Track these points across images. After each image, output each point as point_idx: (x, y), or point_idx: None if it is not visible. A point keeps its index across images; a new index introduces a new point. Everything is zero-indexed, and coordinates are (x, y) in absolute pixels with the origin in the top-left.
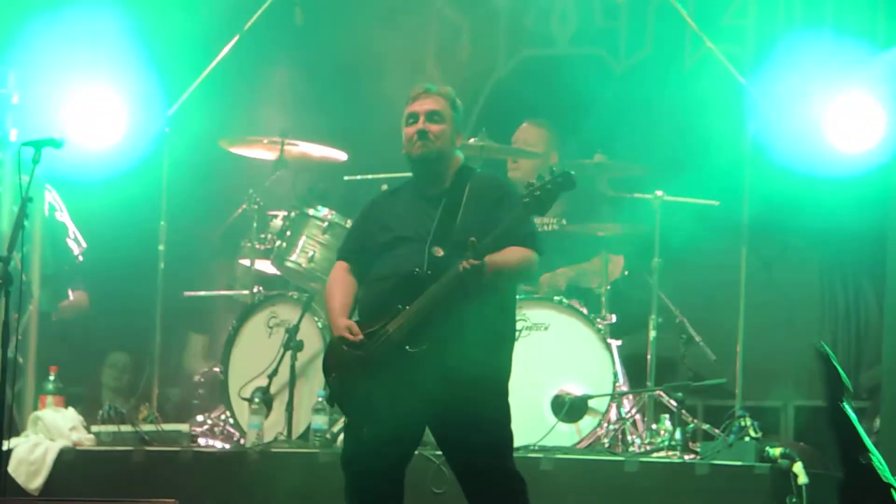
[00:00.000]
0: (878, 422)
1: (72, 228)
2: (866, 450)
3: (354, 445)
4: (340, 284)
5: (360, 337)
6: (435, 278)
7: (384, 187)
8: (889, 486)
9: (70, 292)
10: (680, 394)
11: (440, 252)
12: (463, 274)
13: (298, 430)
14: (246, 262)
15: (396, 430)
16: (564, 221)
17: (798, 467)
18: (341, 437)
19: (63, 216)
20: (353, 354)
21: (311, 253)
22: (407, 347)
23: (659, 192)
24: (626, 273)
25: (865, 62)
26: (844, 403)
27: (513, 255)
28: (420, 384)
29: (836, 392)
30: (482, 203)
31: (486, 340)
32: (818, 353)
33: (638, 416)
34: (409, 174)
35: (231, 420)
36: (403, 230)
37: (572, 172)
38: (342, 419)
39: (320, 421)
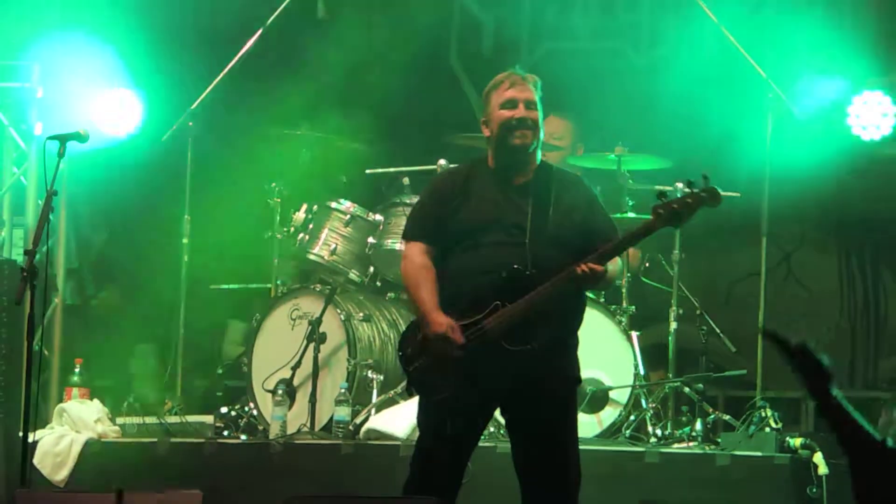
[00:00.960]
0: None
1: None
2: (868, 432)
3: (433, 441)
4: (427, 271)
5: (463, 341)
6: (537, 277)
7: (405, 180)
8: None
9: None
10: (700, 385)
11: (543, 251)
12: (581, 277)
13: (321, 421)
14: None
15: (477, 429)
16: None
17: (818, 457)
18: (364, 428)
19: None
20: (446, 350)
21: (333, 245)
22: (507, 346)
23: (679, 184)
24: (647, 265)
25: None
26: (833, 390)
27: (615, 263)
28: (513, 383)
29: (821, 381)
30: (573, 202)
31: (575, 342)
32: (784, 343)
33: (659, 408)
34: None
35: (255, 412)
36: (491, 221)
37: (717, 189)
38: (364, 411)
39: (343, 412)
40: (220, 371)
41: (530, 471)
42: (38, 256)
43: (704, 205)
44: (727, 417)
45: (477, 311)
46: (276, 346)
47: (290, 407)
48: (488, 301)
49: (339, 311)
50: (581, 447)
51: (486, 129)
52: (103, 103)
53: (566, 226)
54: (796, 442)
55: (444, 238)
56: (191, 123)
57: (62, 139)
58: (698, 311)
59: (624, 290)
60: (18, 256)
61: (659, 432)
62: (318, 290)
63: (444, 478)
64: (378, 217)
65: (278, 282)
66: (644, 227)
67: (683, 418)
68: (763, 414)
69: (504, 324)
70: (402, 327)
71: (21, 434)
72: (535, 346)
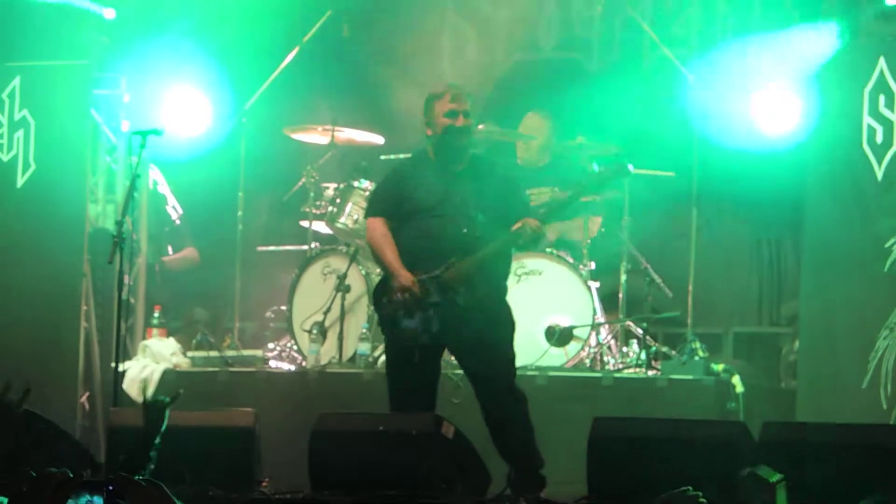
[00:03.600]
0: (797, 343)
1: (171, 199)
2: None
3: (404, 366)
4: (388, 238)
5: (419, 289)
6: (479, 240)
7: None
8: None
9: (169, 248)
10: (645, 324)
11: (480, 220)
12: (524, 231)
13: (347, 354)
14: (305, 223)
15: (435, 356)
16: (557, 189)
17: (736, 379)
18: (381, 359)
19: (164, 189)
20: (409, 299)
21: (356, 216)
22: (457, 291)
23: (629, 167)
24: (603, 230)
25: (783, 59)
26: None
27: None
28: (460, 321)
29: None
30: (498, 182)
31: (505, 287)
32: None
33: (612, 342)
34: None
35: (295, 347)
36: (440, 199)
37: (626, 163)
38: (381, 346)
39: (364, 347)
40: (267, 315)
41: (478, 394)
42: (124, 225)
43: (617, 177)
44: (665, 349)
45: (434, 266)
46: (310, 296)
47: (323, 343)
48: (444, 258)
49: (360, 267)
50: (550, 374)
51: (428, 130)
52: (175, 105)
53: (496, 202)
54: (719, 367)
55: (401, 213)
56: (244, 120)
57: (143, 134)
58: (643, 266)
59: (585, 249)
60: (111, 226)
61: (612, 361)
62: (343, 251)
63: (417, 398)
64: None
65: (312, 245)
66: (572, 195)
67: (631, 350)
68: (693, 346)
69: (458, 275)
70: None
71: (113, 364)
72: (476, 293)
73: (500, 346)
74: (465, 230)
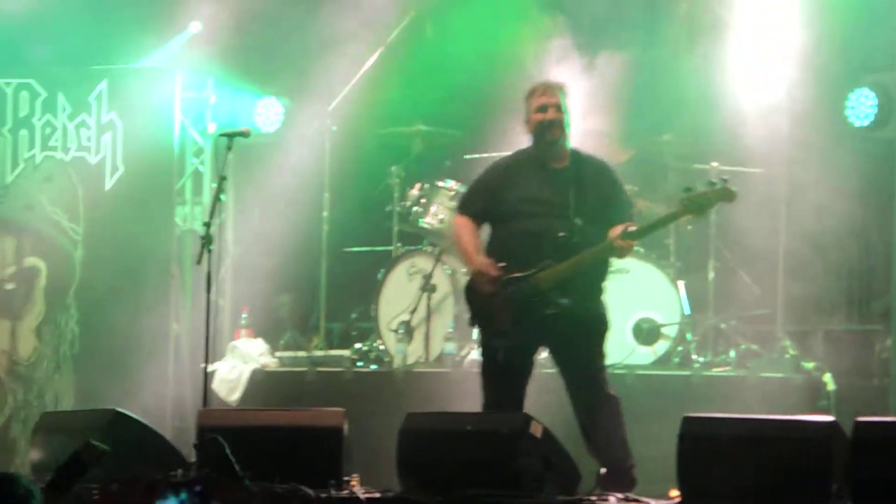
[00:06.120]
0: (888, 341)
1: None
2: None
3: (494, 364)
4: (468, 229)
5: (497, 273)
6: (576, 244)
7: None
8: None
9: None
10: (733, 321)
11: (579, 223)
12: (616, 251)
13: (434, 354)
14: (390, 223)
15: (526, 358)
16: (636, 188)
17: (827, 377)
18: (467, 359)
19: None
20: (504, 293)
21: (441, 216)
22: (553, 295)
23: (714, 163)
24: (690, 227)
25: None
26: None
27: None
28: (555, 321)
29: None
30: (601, 182)
31: (600, 289)
32: None
33: (701, 340)
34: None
35: (382, 347)
36: (537, 198)
37: (733, 189)
38: (467, 345)
39: (451, 347)
40: (353, 315)
41: (572, 393)
42: (212, 227)
43: (721, 201)
44: (755, 347)
45: (529, 268)
46: (396, 296)
47: (410, 343)
48: (539, 255)
49: (445, 267)
50: (638, 372)
51: (526, 126)
52: (261, 106)
53: (596, 203)
54: (809, 365)
55: (497, 213)
56: (329, 121)
57: (230, 136)
58: (731, 263)
59: (672, 248)
60: (198, 227)
61: (701, 359)
62: (429, 251)
63: (508, 395)
64: None
65: (398, 245)
66: (671, 215)
67: (720, 348)
68: (783, 343)
69: (552, 277)
70: None
71: (202, 365)
72: (571, 298)
73: (595, 346)
74: (560, 234)
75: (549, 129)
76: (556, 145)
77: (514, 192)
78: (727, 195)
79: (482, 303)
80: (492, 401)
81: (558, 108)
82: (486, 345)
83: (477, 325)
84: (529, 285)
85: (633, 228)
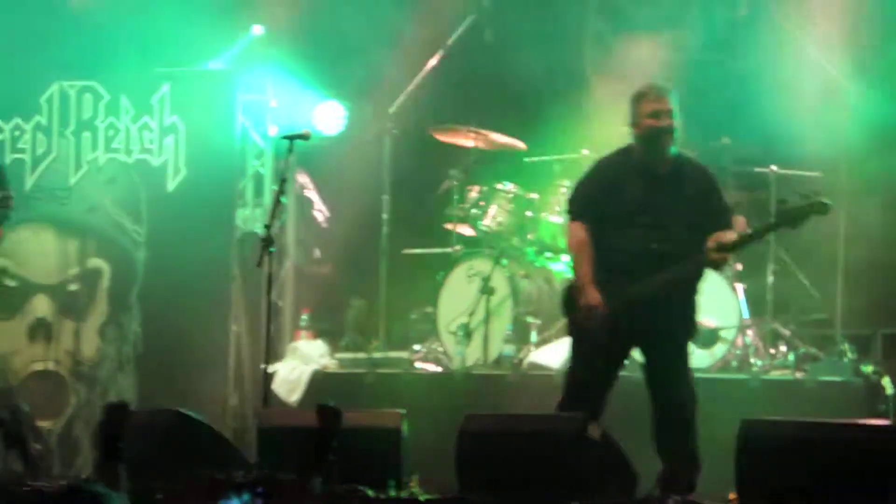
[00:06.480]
0: None
1: (317, 202)
2: None
3: (587, 372)
4: (587, 247)
5: (603, 312)
6: (675, 253)
7: None
8: None
9: (316, 251)
10: (792, 325)
11: (679, 231)
12: (711, 264)
13: (492, 356)
14: (450, 225)
15: (617, 366)
16: None
17: (886, 381)
18: (526, 361)
19: (310, 193)
20: (591, 317)
21: (499, 219)
22: (651, 307)
23: (773, 167)
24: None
25: None
26: None
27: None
28: (648, 333)
29: None
30: (701, 189)
31: (694, 289)
32: None
33: (759, 344)
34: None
35: (441, 349)
36: (641, 204)
37: (828, 202)
38: (526, 348)
39: (509, 349)
40: (412, 317)
41: (656, 392)
42: (273, 229)
43: (816, 214)
44: (813, 350)
45: (626, 276)
46: (455, 298)
47: (468, 345)
48: (635, 271)
49: (504, 270)
50: (697, 375)
51: (634, 130)
52: (322, 110)
53: (695, 209)
54: (868, 369)
55: (601, 217)
56: (389, 124)
57: (291, 138)
58: (790, 267)
59: None
60: (259, 229)
61: (759, 363)
62: (488, 253)
63: (593, 402)
64: (534, 195)
65: (457, 247)
66: (767, 226)
67: (778, 352)
68: (841, 347)
69: (648, 290)
70: (555, 283)
71: (262, 366)
72: (671, 311)
73: (682, 348)
74: (662, 246)
75: (661, 136)
76: (666, 152)
77: (622, 198)
78: (822, 209)
79: (579, 315)
80: (573, 405)
81: (671, 115)
82: (579, 354)
83: (572, 335)
84: (628, 299)
85: (727, 240)
